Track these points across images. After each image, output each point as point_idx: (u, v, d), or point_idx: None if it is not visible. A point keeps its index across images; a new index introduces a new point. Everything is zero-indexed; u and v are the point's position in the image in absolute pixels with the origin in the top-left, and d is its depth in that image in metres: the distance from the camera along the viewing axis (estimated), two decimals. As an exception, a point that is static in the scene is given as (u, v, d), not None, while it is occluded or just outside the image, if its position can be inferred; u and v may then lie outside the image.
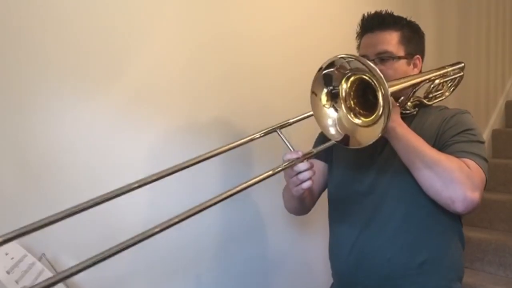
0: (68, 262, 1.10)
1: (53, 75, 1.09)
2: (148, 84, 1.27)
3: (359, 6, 1.33)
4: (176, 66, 1.33)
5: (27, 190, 1.05)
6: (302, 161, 1.01)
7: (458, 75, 1.30)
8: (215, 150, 0.95)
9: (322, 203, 1.37)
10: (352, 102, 0.99)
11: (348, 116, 0.99)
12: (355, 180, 1.23)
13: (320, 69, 0.98)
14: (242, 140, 1.00)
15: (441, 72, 1.24)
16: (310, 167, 1.02)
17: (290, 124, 1.11)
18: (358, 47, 1.27)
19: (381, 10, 1.23)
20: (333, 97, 1.00)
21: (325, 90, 1.00)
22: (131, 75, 1.23)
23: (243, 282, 1.53)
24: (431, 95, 1.27)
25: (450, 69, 1.27)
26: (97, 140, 1.16)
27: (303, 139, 1.36)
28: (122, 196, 1.21)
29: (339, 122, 1.00)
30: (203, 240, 1.39)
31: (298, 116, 1.12)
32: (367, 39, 1.22)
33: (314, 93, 1.01)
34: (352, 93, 0.99)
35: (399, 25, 1.20)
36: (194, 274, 1.40)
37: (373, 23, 1.21)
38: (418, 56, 1.23)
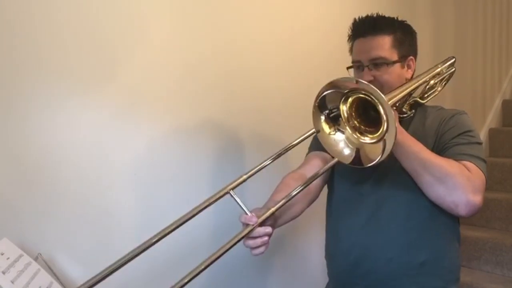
0: (64, 262, 1.10)
1: (47, 78, 1.09)
2: (142, 86, 1.27)
3: (356, 10, 1.33)
4: (170, 69, 1.34)
5: (21, 192, 1.05)
6: (255, 228, 0.93)
7: (450, 71, 1.31)
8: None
9: (319, 203, 1.37)
10: (355, 122, 0.98)
11: (354, 135, 0.98)
12: (356, 180, 1.23)
13: (315, 102, 0.96)
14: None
15: (435, 72, 1.25)
16: (268, 233, 0.95)
17: (294, 146, 1.06)
18: (351, 51, 1.27)
19: (372, 14, 1.23)
20: (334, 120, 0.99)
21: (322, 118, 0.99)
22: (125, 77, 1.24)
23: (237, 281, 1.53)
24: (425, 95, 1.27)
25: (442, 67, 1.28)
26: (91, 142, 1.17)
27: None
28: (116, 198, 1.22)
29: (348, 141, 0.99)
30: (198, 240, 1.39)
31: (302, 135, 1.07)
32: (359, 44, 1.22)
33: (317, 131, 1.00)
34: (353, 113, 0.98)
35: (391, 28, 1.19)
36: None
37: (364, 28, 1.20)
38: (411, 57, 1.23)
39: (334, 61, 1.45)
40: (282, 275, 1.68)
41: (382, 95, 0.86)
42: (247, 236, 0.93)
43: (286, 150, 1.02)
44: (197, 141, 1.40)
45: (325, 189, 1.37)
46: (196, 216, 0.87)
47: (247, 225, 0.93)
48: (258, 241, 0.94)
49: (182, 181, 1.35)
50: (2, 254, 0.92)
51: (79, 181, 1.14)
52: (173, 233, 0.84)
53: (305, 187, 1.00)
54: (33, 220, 1.07)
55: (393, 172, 1.16)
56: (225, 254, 1.45)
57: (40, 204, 1.08)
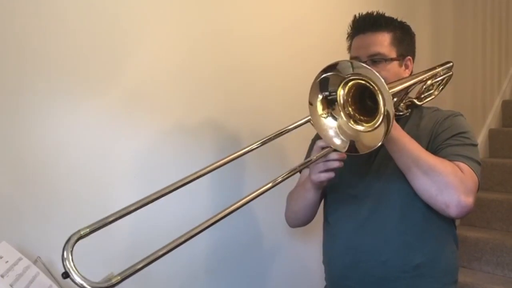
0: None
1: (48, 77, 1.09)
2: (142, 86, 1.27)
3: (354, 6, 1.33)
4: (168, 68, 1.34)
5: (20, 194, 1.05)
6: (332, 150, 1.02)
7: (447, 74, 1.32)
8: (217, 162, 0.91)
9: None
10: (350, 108, 0.98)
11: (349, 123, 0.98)
12: (351, 183, 1.22)
13: (318, 76, 0.96)
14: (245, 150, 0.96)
15: (433, 72, 1.25)
16: (341, 158, 1.05)
17: (289, 130, 1.07)
18: (349, 48, 1.26)
19: (372, 11, 1.23)
20: (329, 104, 0.99)
21: (320, 97, 0.98)
22: (125, 76, 1.24)
23: (236, 285, 1.53)
24: (422, 96, 1.27)
25: (440, 69, 1.28)
26: (92, 142, 1.17)
27: (301, 143, 1.37)
28: (116, 200, 1.22)
29: (340, 131, 0.99)
30: (200, 244, 1.39)
31: (295, 123, 1.08)
32: (358, 40, 1.22)
33: (310, 103, 1.00)
34: (350, 100, 0.98)
35: (390, 26, 1.19)
36: (193, 277, 1.40)
37: (364, 24, 1.20)
38: (409, 57, 1.23)
39: (334, 60, 1.45)
40: (280, 280, 1.68)
41: (386, 85, 0.87)
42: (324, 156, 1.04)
43: (278, 135, 1.03)
44: (196, 140, 1.40)
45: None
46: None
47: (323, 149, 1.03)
48: (335, 163, 1.06)
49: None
50: (1, 258, 0.92)
51: (79, 183, 1.14)
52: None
53: (294, 173, 0.99)
54: (32, 223, 1.06)
55: (387, 174, 1.16)
56: (224, 259, 1.46)
57: (39, 207, 1.08)
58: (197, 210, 1.33)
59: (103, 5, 1.19)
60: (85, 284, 0.62)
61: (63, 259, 0.63)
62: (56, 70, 1.10)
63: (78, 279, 0.62)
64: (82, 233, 0.69)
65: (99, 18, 1.18)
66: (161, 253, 0.73)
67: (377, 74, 0.88)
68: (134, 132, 1.26)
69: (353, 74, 0.93)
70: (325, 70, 0.95)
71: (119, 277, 0.65)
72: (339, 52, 1.34)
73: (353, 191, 1.21)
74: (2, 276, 0.88)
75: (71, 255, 0.64)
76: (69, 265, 0.63)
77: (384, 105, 0.89)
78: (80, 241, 0.68)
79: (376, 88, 0.89)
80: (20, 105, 1.05)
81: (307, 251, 1.75)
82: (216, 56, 1.46)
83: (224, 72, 1.48)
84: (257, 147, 1.00)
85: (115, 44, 1.21)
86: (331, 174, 1.07)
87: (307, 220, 1.31)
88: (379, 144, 0.92)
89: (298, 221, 1.33)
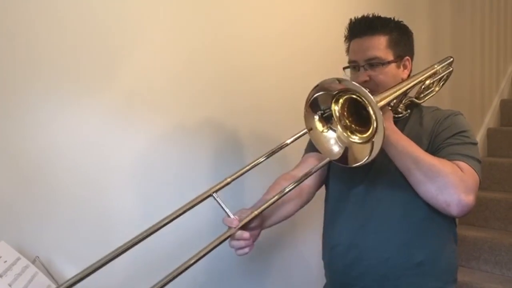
0: (61, 265, 1.10)
1: (43, 78, 1.09)
2: (140, 86, 1.27)
3: (353, 7, 1.33)
4: (167, 69, 1.34)
5: (18, 194, 1.05)
6: (235, 232, 0.97)
7: (447, 71, 1.31)
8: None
9: (317, 204, 1.37)
10: (347, 120, 0.99)
11: (345, 134, 0.99)
12: (351, 182, 1.23)
13: (306, 103, 0.98)
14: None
15: (431, 72, 1.25)
16: (245, 238, 0.99)
17: (287, 145, 1.11)
18: (347, 51, 1.27)
19: (368, 14, 1.23)
20: (327, 119, 1.01)
21: (316, 117, 1.00)
22: (123, 77, 1.24)
23: (234, 282, 1.53)
24: (422, 95, 1.28)
25: (439, 67, 1.28)
26: (89, 142, 1.17)
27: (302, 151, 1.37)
28: (114, 200, 1.22)
29: (339, 140, 1.01)
30: (197, 241, 1.38)
31: (297, 134, 1.12)
32: (355, 44, 1.22)
33: (311, 129, 1.02)
34: (345, 113, 0.99)
35: (387, 28, 1.20)
36: (191, 276, 1.40)
37: (360, 28, 1.20)
38: (407, 57, 1.23)
39: (331, 61, 1.45)
40: (280, 276, 1.68)
41: (369, 94, 0.88)
42: (231, 238, 0.98)
43: (279, 148, 1.07)
44: (196, 141, 1.40)
45: (322, 191, 1.37)
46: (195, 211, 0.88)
47: (229, 227, 0.98)
48: (242, 242, 0.99)
49: (181, 182, 1.35)
50: (-1, 257, 0.92)
51: (77, 183, 1.14)
52: (160, 231, 0.87)
53: (296, 185, 1.02)
54: (31, 223, 1.06)
55: (388, 173, 1.16)
56: (222, 257, 1.46)
57: (37, 207, 1.08)
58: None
59: (101, 5, 1.19)
60: None
61: None
62: (54, 70, 1.10)
63: None
64: None
65: (97, 18, 1.18)
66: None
67: (363, 88, 0.89)
68: (133, 132, 1.26)
69: (340, 90, 0.94)
70: (312, 94, 0.97)
71: None
72: (337, 52, 1.34)
73: (355, 189, 1.22)
74: (1, 276, 0.88)
75: None
76: None
77: (376, 119, 0.90)
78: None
79: (365, 101, 0.90)
80: (18, 105, 1.05)
81: (306, 247, 1.76)
82: (215, 56, 1.46)
83: (223, 73, 1.48)
84: (262, 161, 1.04)
85: (113, 45, 1.21)
86: (244, 251, 1.01)
87: (291, 214, 1.28)
88: (365, 160, 0.94)
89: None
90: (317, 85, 0.94)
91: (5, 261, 0.92)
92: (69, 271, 1.11)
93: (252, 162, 1.04)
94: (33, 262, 1.00)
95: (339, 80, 0.92)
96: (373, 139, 0.92)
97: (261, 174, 1.49)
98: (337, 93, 0.95)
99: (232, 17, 1.52)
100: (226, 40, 1.49)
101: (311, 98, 0.97)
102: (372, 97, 0.88)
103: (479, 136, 3.15)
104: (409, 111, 1.24)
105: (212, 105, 1.46)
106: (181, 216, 0.92)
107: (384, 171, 1.17)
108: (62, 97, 1.12)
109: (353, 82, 0.92)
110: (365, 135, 0.96)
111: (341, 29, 1.28)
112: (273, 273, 1.66)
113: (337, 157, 1.01)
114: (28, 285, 0.91)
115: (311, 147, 1.30)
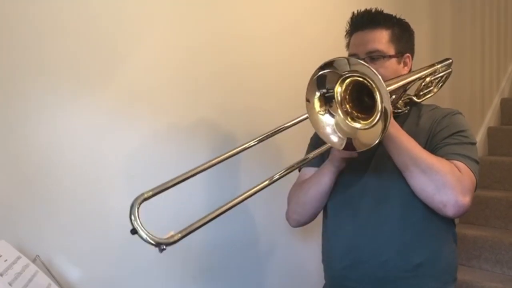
0: (62, 263, 1.10)
1: (45, 79, 1.09)
2: (138, 86, 1.28)
3: (352, 5, 1.32)
4: (166, 67, 1.34)
5: (19, 193, 1.05)
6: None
7: (447, 71, 1.31)
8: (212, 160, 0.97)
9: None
10: (348, 106, 0.98)
11: (346, 120, 0.98)
12: (349, 182, 1.22)
13: (315, 73, 0.96)
14: (238, 149, 0.99)
15: (432, 69, 1.25)
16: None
17: (286, 128, 1.09)
18: (348, 46, 1.26)
19: (371, 8, 1.23)
20: (327, 101, 0.99)
21: (317, 94, 0.98)
22: (121, 77, 1.24)
23: (236, 283, 1.53)
24: (421, 93, 1.27)
25: (439, 66, 1.28)
26: (89, 141, 1.17)
27: (298, 142, 1.37)
28: (114, 200, 1.22)
29: (338, 128, 0.98)
30: (197, 243, 1.39)
31: (293, 120, 1.09)
32: (357, 37, 1.21)
33: (308, 100, 0.99)
34: (347, 97, 0.97)
35: (389, 23, 1.19)
36: (190, 276, 1.40)
37: (363, 22, 1.20)
38: (408, 54, 1.23)
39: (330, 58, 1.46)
40: (279, 279, 1.68)
41: (383, 82, 0.87)
42: None
43: (276, 132, 1.05)
44: (193, 140, 1.40)
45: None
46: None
47: None
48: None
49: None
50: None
51: (77, 183, 1.14)
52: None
53: (288, 172, 1.01)
54: (31, 222, 1.06)
55: (385, 173, 1.15)
56: (221, 258, 1.46)
57: (38, 206, 1.08)
58: (192, 208, 1.33)
59: (100, 5, 1.19)
60: (149, 239, 0.73)
61: (131, 219, 0.74)
62: (52, 70, 1.10)
63: (144, 235, 0.73)
64: (145, 196, 0.79)
65: (96, 18, 1.18)
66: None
67: (374, 71, 0.88)
68: (131, 132, 1.26)
69: (350, 72, 0.93)
70: (322, 67, 0.95)
71: (179, 235, 0.78)
72: (336, 51, 1.33)
73: (352, 190, 1.21)
74: (1, 275, 0.88)
75: (138, 214, 0.75)
76: (136, 223, 0.74)
77: (382, 102, 0.88)
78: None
79: (373, 85, 0.89)
80: (18, 105, 1.05)
81: (305, 250, 1.75)
82: (212, 55, 1.46)
83: (220, 72, 1.48)
84: (254, 145, 1.00)
85: (111, 45, 1.21)
86: (353, 153, 1.06)
87: (314, 213, 1.27)
88: (377, 142, 0.92)
89: (304, 215, 1.28)
90: (333, 60, 0.93)
91: (6, 260, 0.92)
92: (69, 270, 1.11)
93: (242, 145, 1.02)
94: (34, 261, 1.00)
95: (350, 61, 0.92)
96: (378, 123, 0.91)
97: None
98: (345, 74, 0.93)
99: (230, 16, 1.52)
100: (224, 39, 1.49)
101: (323, 65, 0.95)
102: (380, 77, 0.87)
103: (480, 135, 3.15)
104: (408, 108, 1.24)
105: (210, 104, 1.45)
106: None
107: (381, 172, 1.17)
108: (61, 97, 1.12)
109: (364, 63, 0.91)
110: (367, 122, 0.94)
111: (341, 29, 1.28)
112: (272, 275, 1.66)
113: (339, 147, 0.99)
114: (28, 284, 0.91)
115: (311, 162, 1.25)
